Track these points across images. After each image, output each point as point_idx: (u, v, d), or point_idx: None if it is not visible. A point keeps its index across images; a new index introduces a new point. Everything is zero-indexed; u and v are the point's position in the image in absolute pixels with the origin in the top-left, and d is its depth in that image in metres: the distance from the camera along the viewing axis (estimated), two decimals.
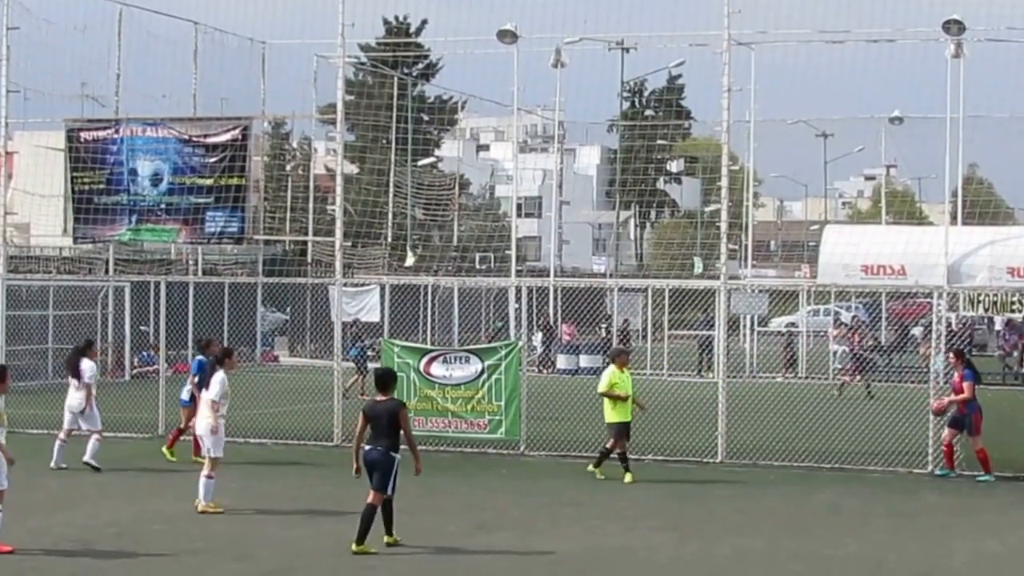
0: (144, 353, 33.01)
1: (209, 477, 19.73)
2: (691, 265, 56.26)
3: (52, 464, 23.97)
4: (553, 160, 64.32)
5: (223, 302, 46.52)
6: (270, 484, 22.96)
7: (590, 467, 23.89)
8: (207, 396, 20.09)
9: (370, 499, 17.04)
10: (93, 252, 44.06)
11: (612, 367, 23.95)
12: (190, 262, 48.08)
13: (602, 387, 23.65)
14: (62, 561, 16.52)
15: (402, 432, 17.14)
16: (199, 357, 24.50)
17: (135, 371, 40.57)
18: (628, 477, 23.20)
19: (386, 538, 17.24)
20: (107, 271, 43.39)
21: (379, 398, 17.35)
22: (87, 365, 24.31)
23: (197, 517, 19.64)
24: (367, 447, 17.11)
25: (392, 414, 17.04)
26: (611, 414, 23.55)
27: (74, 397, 24.28)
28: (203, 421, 20.14)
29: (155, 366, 30.36)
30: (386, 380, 17.66)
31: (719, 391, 26.11)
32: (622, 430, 23.55)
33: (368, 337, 40.23)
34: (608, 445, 23.67)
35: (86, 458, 24.06)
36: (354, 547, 16.94)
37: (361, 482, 18.13)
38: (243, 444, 27.25)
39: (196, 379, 23.72)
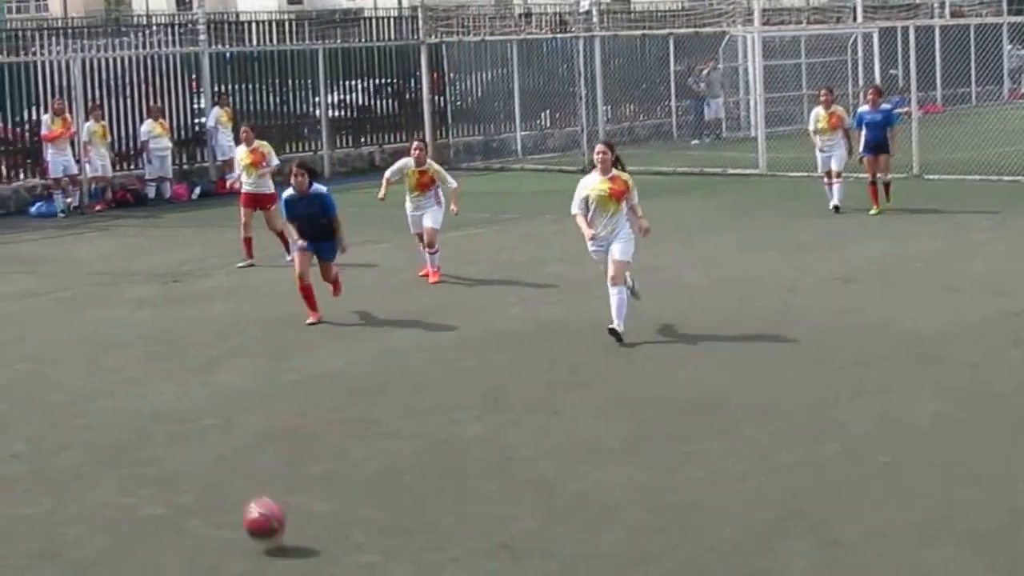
0: (896, 97, 33.60)
1: None
2: None
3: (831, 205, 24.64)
4: None
5: (968, 43, 46.48)
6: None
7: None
8: None
9: None
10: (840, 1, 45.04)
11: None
12: (935, 6, 48.12)
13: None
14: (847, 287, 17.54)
15: None
16: None
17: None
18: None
19: None
20: (854, 19, 44.33)
21: None
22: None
23: (954, 255, 19.94)
24: None
25: None
26: None
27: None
28: None
29: (907, 108, 31.04)
30: None
31: None
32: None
33: None
34: None
35: (834, 202, 24.94)
36: None
37: None
38: (996, 182, 27.73)
39: None
